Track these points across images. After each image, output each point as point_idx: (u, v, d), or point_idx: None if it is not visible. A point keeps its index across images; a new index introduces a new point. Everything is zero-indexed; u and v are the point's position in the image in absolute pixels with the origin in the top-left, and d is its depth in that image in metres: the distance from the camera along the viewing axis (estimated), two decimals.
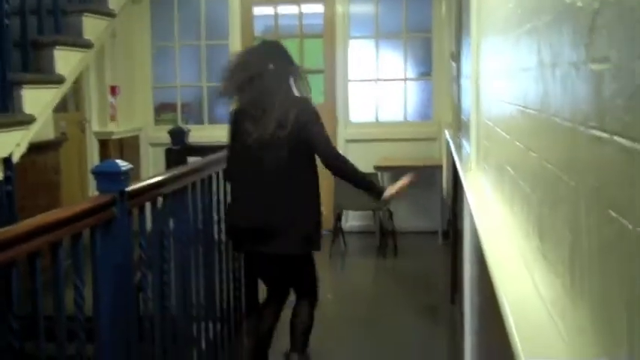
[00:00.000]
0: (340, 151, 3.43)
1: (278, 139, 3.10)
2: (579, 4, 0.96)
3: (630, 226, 0.77)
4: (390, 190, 3.34)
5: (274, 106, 3.13)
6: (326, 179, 6.48)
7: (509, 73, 1.78)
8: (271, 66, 3.21)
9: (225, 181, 3.65)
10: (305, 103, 3.24)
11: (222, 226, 3.82)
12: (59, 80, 3.54)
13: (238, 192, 3.31)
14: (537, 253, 1.34)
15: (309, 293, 3.42)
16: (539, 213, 1.32)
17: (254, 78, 3.18)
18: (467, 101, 3.16)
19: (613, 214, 0.83)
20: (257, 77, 3.18)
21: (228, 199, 3.94)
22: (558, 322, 1.14)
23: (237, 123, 3.28)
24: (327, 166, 3.21)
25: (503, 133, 1.87)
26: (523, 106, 1.51)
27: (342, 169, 3.22)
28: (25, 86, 3.26)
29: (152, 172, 5.68)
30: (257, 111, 3.16)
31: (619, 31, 0.78)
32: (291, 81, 3.28)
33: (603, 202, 0.87)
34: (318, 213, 3.27)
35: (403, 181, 3.41)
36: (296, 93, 3.26)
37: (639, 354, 0.75)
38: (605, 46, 0.84)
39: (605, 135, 0.85)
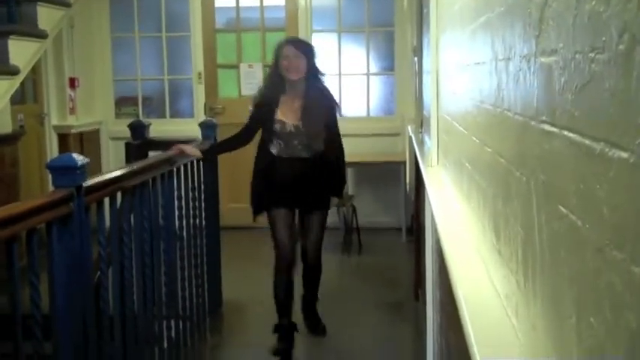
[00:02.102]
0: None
1: None
2: None
3: (579, 223, 0.76)
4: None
5: None
6: None
7: (466, 68, 1.78)
8: None
9: None
10: None
11: (185, 222, 3.78)
12: (14, 71, 3.46)
13: None
14: (493, 250, 1.34)
15: None
16: (494, 209, 1.32)
17: None
18: (428, 96, 3.16)
19: (563, 210, 0.82)
20: None
21: (193, 194, 3.92)
22: (512, 318, 1.13)
23: None
24: None
25: (461, 128, 1.87)
26: (479, 101, 1.51)
27: None
28: None
29: (113, 167, 5.60)
30: None
31: (566, 23, 0.77)
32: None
33: (554, 198, 0.87)
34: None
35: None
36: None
37: (588, 351, 0.74)
38: (554, 39, 0.83)
39: (554, 129, 0.84)
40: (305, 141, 3.77)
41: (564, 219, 0.81)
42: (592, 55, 0.68)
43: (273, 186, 3.82)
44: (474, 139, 1.59)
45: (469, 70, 1.70)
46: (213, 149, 4.14)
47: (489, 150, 1.36)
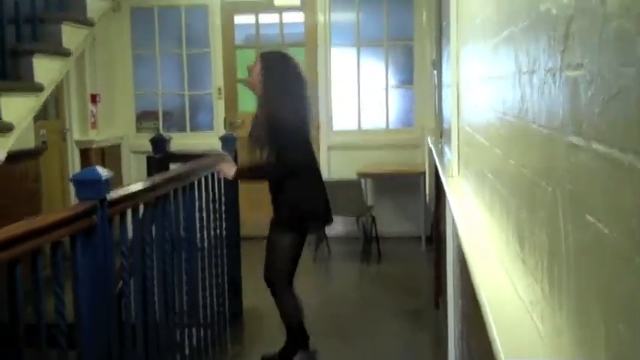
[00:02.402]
0: (321, 159, 3.72)
1: None
2: (554, 11, 0.97)
3: (606, 231, 0.78)
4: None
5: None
6: None
7: (487, 80, 1.80)
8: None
9: (287, 174, 3.72)
10: None
11: (206, 232, 3.81)
12: (38, 88, 3.52)
13: (310, 184, 3.76)
14: (517, 259, 1.35)
15: None
16: (518, 219, 1.33)
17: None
18: (447, 108, 3.18)
19: (590, 219, 0.84)
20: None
21: (214, 205, 3.95)
22: (538, 324, 1.15)
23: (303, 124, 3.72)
24: None
25: (483, 140, 1.89)
26: (502, 113, 1.52)
27: None
28: (3, 94, 3.24)
29: (134, 180, 5.66)
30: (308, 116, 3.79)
31: (592, 38, 0.80)
32: None
33: (580, 208, 0.88)
34: None
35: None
36: None
37: (616, 358, 0.76)
38: (580, 53, 0.85)
39: (581, 141, 0.86)
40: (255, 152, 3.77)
41: (591, 228, 0.83)
42: (620, 69, 0.70)
43: None
44: (497, 150, 1.60)
45: (491, 82, 1.72)
46: (245, 174, 4.02)
47: (513, 162, 1.37)
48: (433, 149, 4.30)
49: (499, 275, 1.44)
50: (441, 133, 3.90)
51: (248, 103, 7.06)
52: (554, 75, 0.99)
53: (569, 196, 0.94)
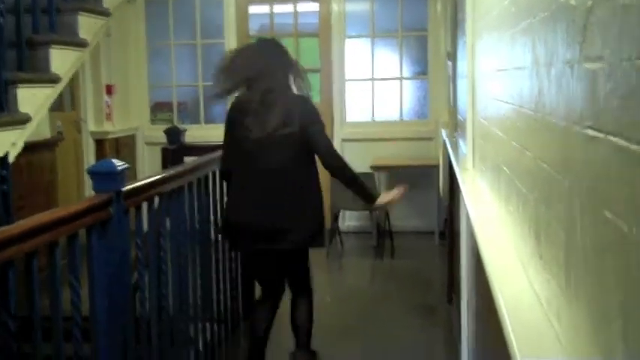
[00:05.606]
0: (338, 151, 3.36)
1: (281, 137, 3.07)
2: (572, 2, 0.96)
3: (625, 228, 0.77)
4: (385, 198, 3.38)
5: (277, 104, 3.10)
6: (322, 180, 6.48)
7: (504, 72, 1.78)
8: (271, 64, 3.19)
9: (221, 179, 3.64)
10: (306, 101, 3.20)
11: (219, 225, 3.82)
12: (54, 79, 3.53)
13: (239, 190, 3.22)
14: (533, 253, 1.34)
15: (306, 289, 3.43)
16: (535, 213, 1.32)
17: (255, 77, 3.16)
18: (463, 101, 3.16)
19: (608, 214, 0.83)
20: (258, 76, 3.16)
21: (225, 198, 3.94)
22: (554, 322, 1.14)
23: (235, 121, 3.22)
24: (327, 166, 3.19)
25: (500, 133, 1.87)
26: (518, 106, 1.51)
27: (342, 171, 3.21)
28: (20, 85, 3.25)
29: (148, 172, 5.67)
30: (259, 109, 3.11)
31: (612, 30, 0.78)
32: (291, 79, 3.24)
33: (598, 203, 0.87)
34: (322, 210, 3.26)
35: (398, 190, 3.42)
36: (295, 91, 3.25)
37: (635, 354, 0.75)
38: (599, 45, 0.84)
39: (599, 135, 0.85)
40: None
41: (609, 223, 0.82)
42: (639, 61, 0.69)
43: None
44: (514, 143, 1.59)
45: (508, 75, 1.71)
46: None
47: (530, 155, 1.36)
48: (447, 142, 4.28)
49: (515, 271, 1.43)
50: (456, 126, 3.88)
51: None
52: (572, 67, 0.97)
53: (586, 190, 0.93)
